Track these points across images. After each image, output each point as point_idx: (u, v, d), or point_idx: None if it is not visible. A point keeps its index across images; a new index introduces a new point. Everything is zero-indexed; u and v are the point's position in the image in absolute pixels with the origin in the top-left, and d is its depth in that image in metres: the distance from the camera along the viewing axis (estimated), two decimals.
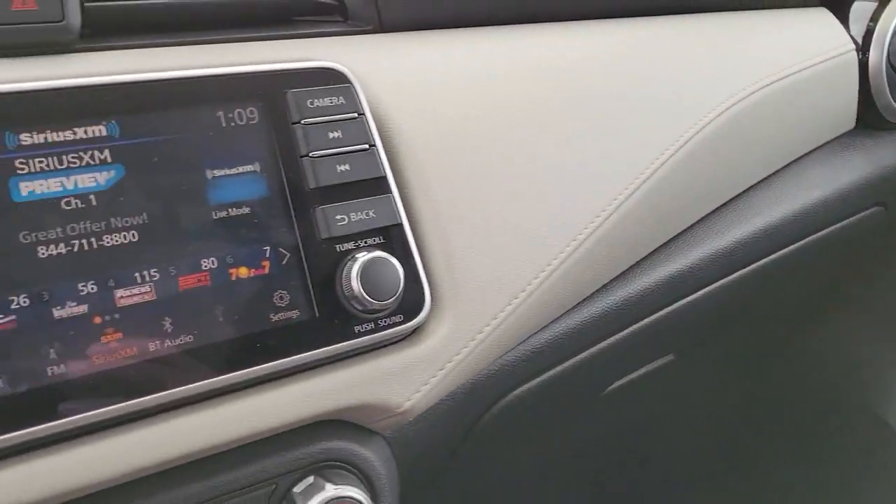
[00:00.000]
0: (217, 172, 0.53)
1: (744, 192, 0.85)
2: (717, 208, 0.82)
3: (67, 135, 0.49)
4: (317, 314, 0.54)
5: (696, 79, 0.79)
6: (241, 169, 0.53)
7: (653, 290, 0.76)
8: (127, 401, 0.48)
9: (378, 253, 0.55)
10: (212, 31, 0.61)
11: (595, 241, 0.67)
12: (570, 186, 0.67)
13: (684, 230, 0.79)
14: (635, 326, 0.78)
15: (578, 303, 0.71)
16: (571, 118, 0.70)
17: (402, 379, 0.57)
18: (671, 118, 0.75)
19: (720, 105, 0.78)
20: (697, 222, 0.80)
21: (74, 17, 0.53)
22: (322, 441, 0.57)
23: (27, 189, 0.47)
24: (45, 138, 0.48)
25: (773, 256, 0.88)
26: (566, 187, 0.67)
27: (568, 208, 0.66)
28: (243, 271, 0.52)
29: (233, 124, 0.54)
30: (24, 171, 0.47)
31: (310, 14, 0.67)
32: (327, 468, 0.57)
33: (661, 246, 0.76)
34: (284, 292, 0.53)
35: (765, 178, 0.87)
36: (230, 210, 0.53)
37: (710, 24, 0.86)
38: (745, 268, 0.85)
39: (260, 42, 0.61)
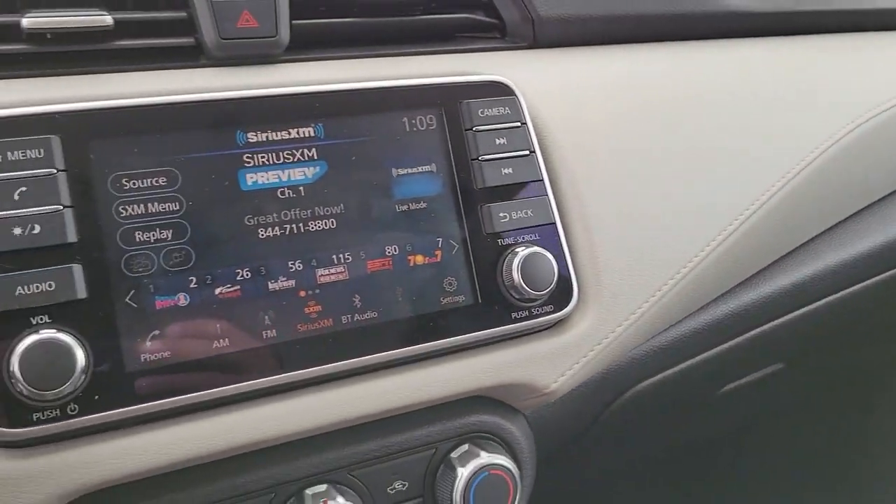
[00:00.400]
0: (401, 171, 0.60)
1: (868, 206, 0.88)
2: (842, 221, 0.85)
3: (283, 134, 0.57)
4: (479, 300, 0.61)
5: (837, 91, 0.82)
6: (420, 168, 0.61)
7: (775, 297, 0.80)
8: (324, 364, 0.55)
9: (535, 248, 0.61)
10: (390, 45, 0.68)
11: (726, 248, 0.72)
12: (709, 195, 0.72)
13: (808, 241, 0.82)
14: (754, 332, 0.82)
15: (704, 305, 0.75)
16: (710, 131, 0.74)
17: (550, 363, 0.63)
18: (812, 128, 0.79)
19: (859, 117, 0.81)
20: (822, 233, 0.83)
21: (285, 33, 0.61)
22: (475, 414, 0.63)
23: (251, 179, 0.56)
24: (267, 137, 0.57)
25: (892, 272, 0.90)
26: (704, 196, 0.72)
27: (704, 215, 0.71)
28: (419, 258, 0.60)
29: (415, 129, 0.61)
30: (250, 165, 0.56)
31: (473, 31, 0.73)
32: (479, 438, 0.64)
33: (786, 254, 0.80)
34: (453, 279, 0.60)
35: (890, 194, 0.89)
36: (410, 205, 0.60)
37: (849, 43, 0.89)
38: (864, 281, 0.88)
39: (431, 55, 0.68)
